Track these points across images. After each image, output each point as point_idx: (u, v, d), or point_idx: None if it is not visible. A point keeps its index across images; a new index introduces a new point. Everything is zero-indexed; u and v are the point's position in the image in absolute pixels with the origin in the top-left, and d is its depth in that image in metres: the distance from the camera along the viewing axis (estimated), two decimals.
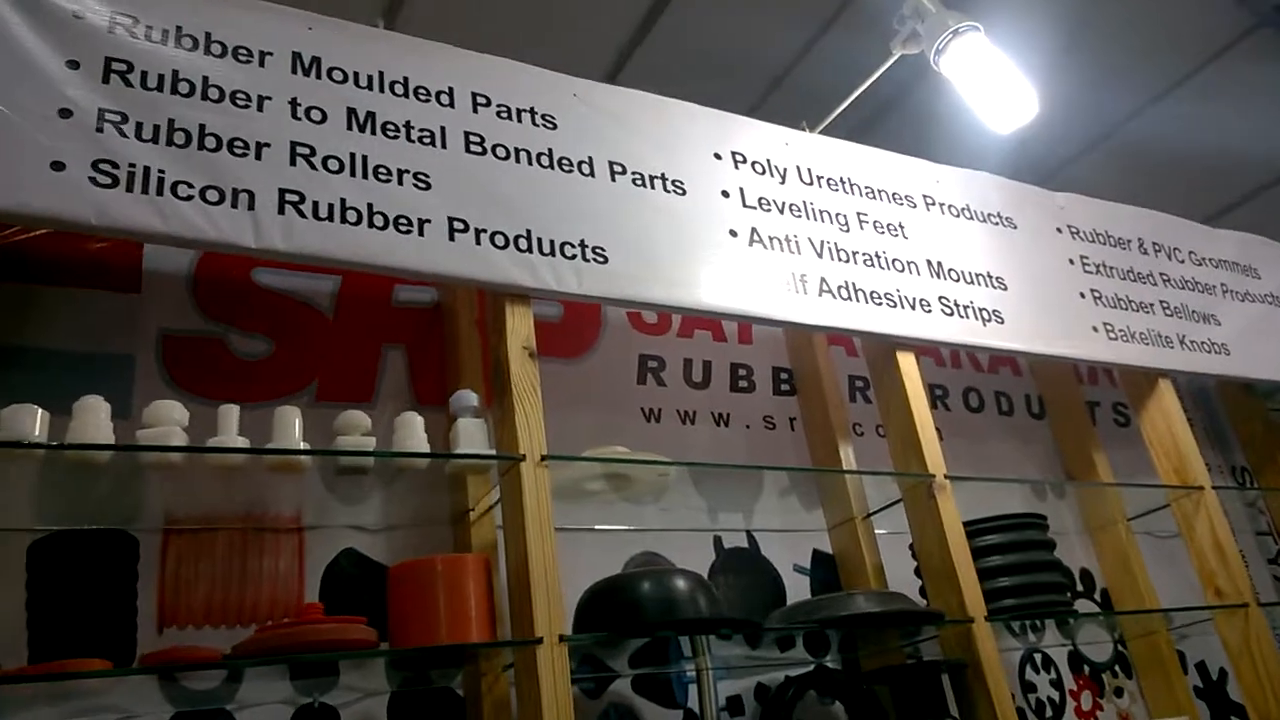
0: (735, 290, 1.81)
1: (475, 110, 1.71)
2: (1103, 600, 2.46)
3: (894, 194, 2.18)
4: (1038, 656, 2.28)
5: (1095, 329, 2.30)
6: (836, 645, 1.98)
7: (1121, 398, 2.78)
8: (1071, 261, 2.38)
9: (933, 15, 1.90)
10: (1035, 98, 2.04)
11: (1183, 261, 2.63)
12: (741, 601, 1.95)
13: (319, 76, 1.59)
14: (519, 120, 1.75)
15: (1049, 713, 2.22)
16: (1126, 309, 2.40)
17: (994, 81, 2.02)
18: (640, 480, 1.73)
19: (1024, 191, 2.44)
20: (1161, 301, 2.48)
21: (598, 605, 1.55)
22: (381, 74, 1.65)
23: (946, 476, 1.91)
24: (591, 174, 1.77)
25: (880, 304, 1.98)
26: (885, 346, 2.02)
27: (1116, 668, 2.39)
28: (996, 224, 2.31)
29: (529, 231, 1.64)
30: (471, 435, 1.52)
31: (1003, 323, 2.14)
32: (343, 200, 1.50)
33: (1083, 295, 2.34)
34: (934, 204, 2.23)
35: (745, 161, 1.99)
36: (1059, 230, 2.42)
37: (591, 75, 1.97)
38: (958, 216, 2.26)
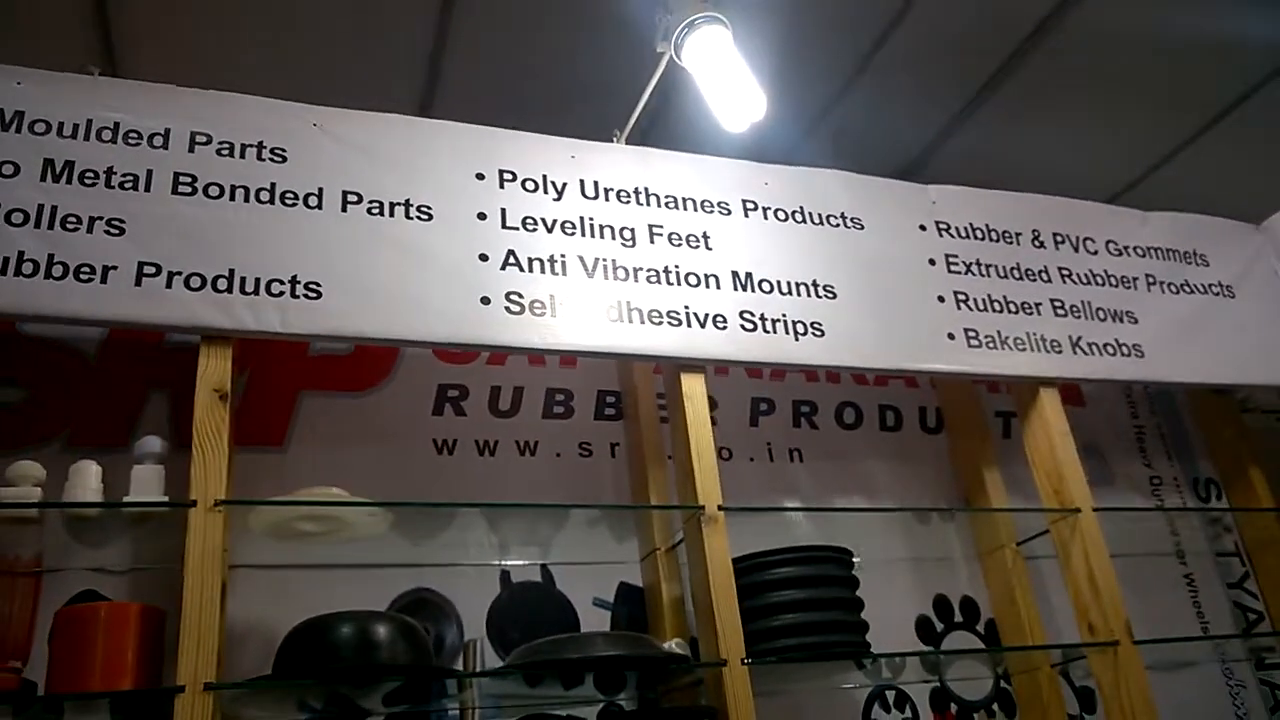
0: (472, 318, 1.74)
1: (192, 149, 1.71)
2: (987, 632, 2.23)
3: (703, 201, 2.04)
4: (890, 694, 2.09)
5: (952, 336, 2.08)
6: (634, 684, 1.88)
7: None
8: (933, 262, 2.16)
9: (680, 7, 1.76)
10: (763, 97, 1.86)
11: (1094, 253, 2.35)
12: (523, 638, 1.87)
13: (19, 130, 1.63)
14: (242, 156, 1.73)
15: None
16: (1001, 311, 2.16)
17: (726, 77, 1.86)
18: (354, 523, 1.68)
19: (884, 188, 2.24)
20: (1053, 300, 2.22)
21: (288, 646, 1.52)
22: (90, 121, 1.67)
23: (721, 508, 1.77)
24: (319, 206, 1.74)
25: (660, 323, 1.86)
26: (672, 368, 1.89)
27: (995, 706, 2.16)
28: (837, 225, 2.13)
29: (231, 271, 1.63)
30: (145, 481, 1.52)
31: (822, 335, 1.97)
32: (20, 253, 1.53)
33: (941, 299, 2.12)
34: (756, 209, 2.08)
35: (515, 179, 1.91)
36: (922, 228, 2.20)
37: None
38: (785, 220, 2.09)
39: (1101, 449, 2.56)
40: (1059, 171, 2.47)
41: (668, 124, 2.32)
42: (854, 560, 1.91)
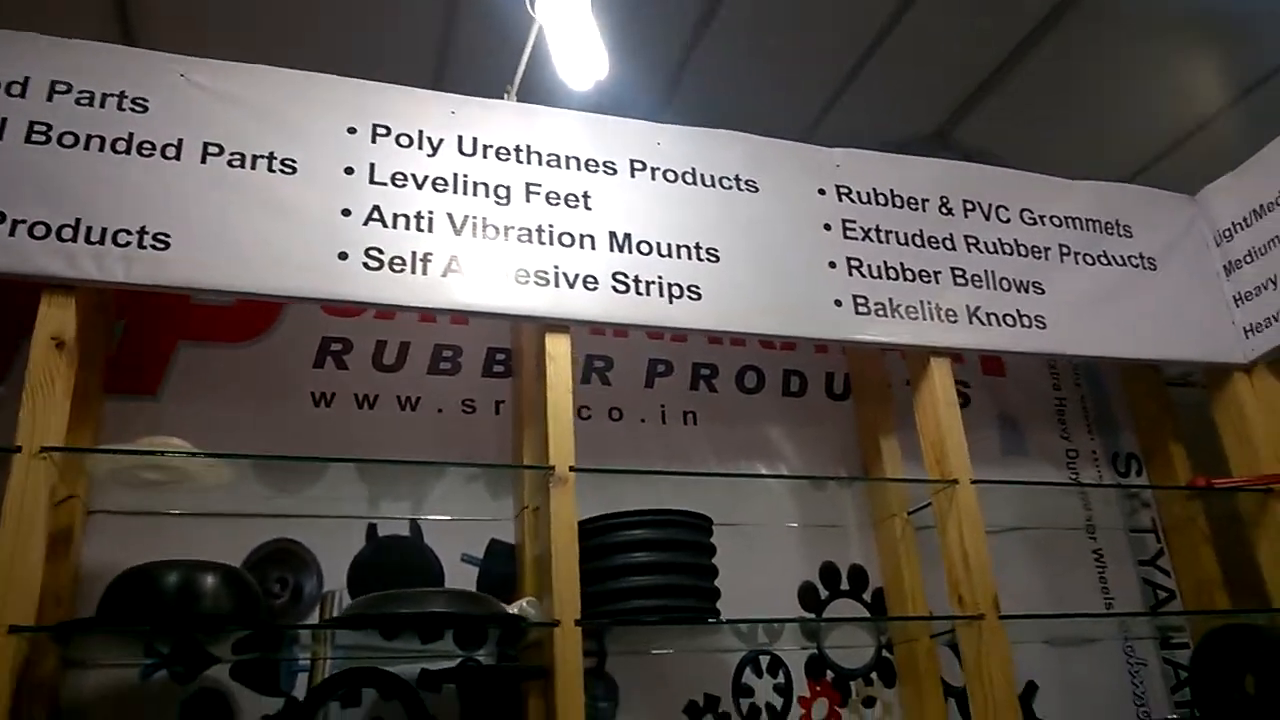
0: (328, 273, 1.74)
1: (50, 98, 1.71)
2: (874, 601, 2.22)
3: (588, 160, 2.01)
4: (764, 659, 2.10)
5: (839, 303, 2.05)
6: (495, 641, 1.90)
7: (960, 375, 2.48)
8: (828, 227, 2.12)
9: None
10: (605, 57, 1.81)
11: (1006, 221, 2.28)
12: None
13: None
14: (101, 105, 1.73)
15: (763, 719, 2.05)
16: (897, 279, 2.12)
17: (572, 34, 1.81)
18: (196, 473, 1.71)
19: (786, 151, 2.19)
20: (954, 269, 2.17)
21: (111, 593, 1.55)
22: None
23: (572, 469, 1.77)
24: (177, 157, 1.74)
25: (526, 282, 1.85)
26: (537, 329, 1.89)
27: (874, 675, 2.16)
28: (729, 188, 2.09)
29: (78, 221, 1.64)
30: None
31: (699, 299, 1.95)
32: None
33: (833, 265, 2.08)
34: (644, 169, 2.04)
35: (389, 134, 1.89)
36: (821, 192, 2.15)
37: None
38: (675, 181, 2.06)
39: (1018, 420, 2.52)
40: None
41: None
42: (711, 526, 1.90)
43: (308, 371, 2.03)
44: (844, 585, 2.21)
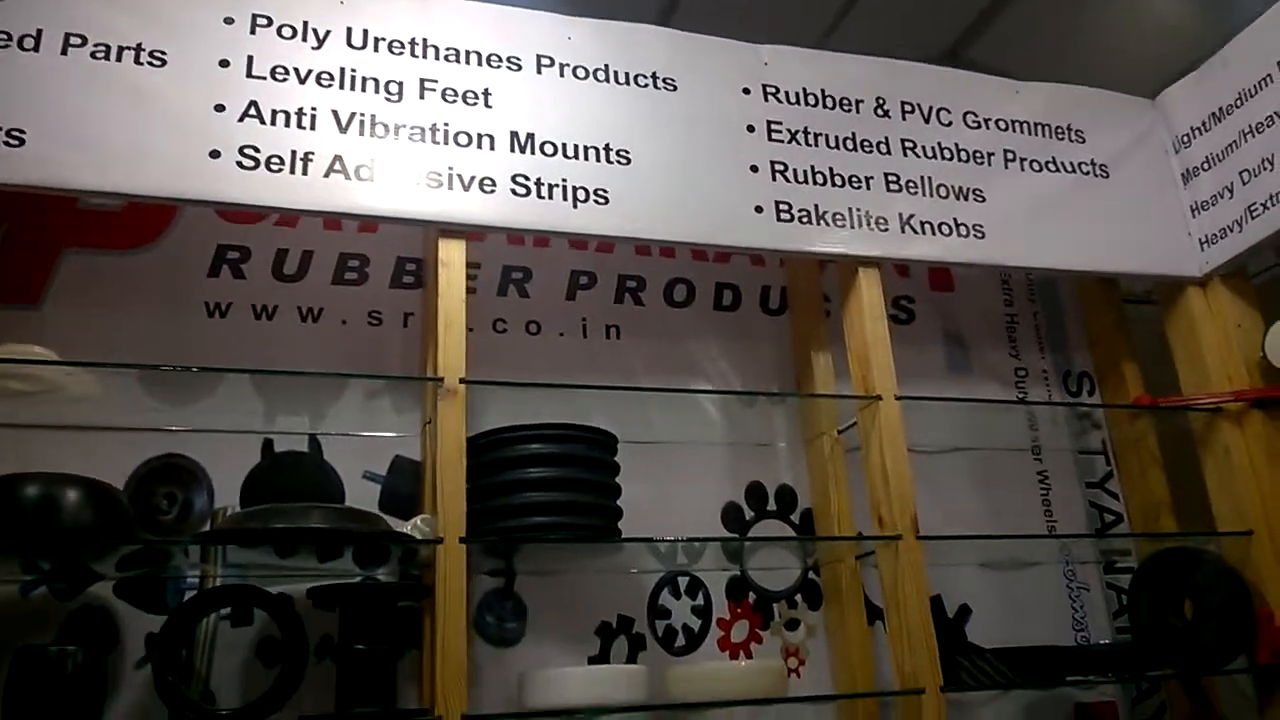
0: (200, 172, 1.64)
1: None
2: (802, 522, 2.15)
3: (490, 56, 1.88)
4: (683, 581, 2.03)
5: (759, 209, 1.93)
6: (397, 559, 1.84)
7: (905, 290, 2.39)
8: (751, 129, 1.99)
9: None
10: None
11: (948, 124, 2.15)
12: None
13: None
14: None
15: (679, 642, 1.98)
16: (824, 184, 2.00)
17: None
18: (63, 384, 1.63)
19: (711, 47, 2.05)
20: (888, 175, 2.05)
21: None
22: None
23: (463, 381, 1.68)
24: (36, 49, 1.63)
25: (418, 185, 1.74)
26: (431, 234, 1.79)
27: (798, 598, 2.10)
28: (645, 85, 1.96)
29: None
30: None
31: (606, 203, 1.84)
32: None
33: (754, 169, 1.96)
34: (552, 65, 1.92)
35: (270, 25, 1.77)
36: (746, 91, 2.02)
37: None
38: (585, 78, 1.93)
39: (965, 337, 2.42)
40: None
41: None
42: (615, 443, 1.82)
43: (202, 281, 1.94)
44: (770, 506, 2.14)
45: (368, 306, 2.02)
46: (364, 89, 1.78)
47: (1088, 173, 2.21)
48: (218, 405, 1.86)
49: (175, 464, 1.82)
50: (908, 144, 2.09)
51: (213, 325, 1.92)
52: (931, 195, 2.06)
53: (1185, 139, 2.26)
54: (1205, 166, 2.20)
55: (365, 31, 1.82)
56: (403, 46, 1.84)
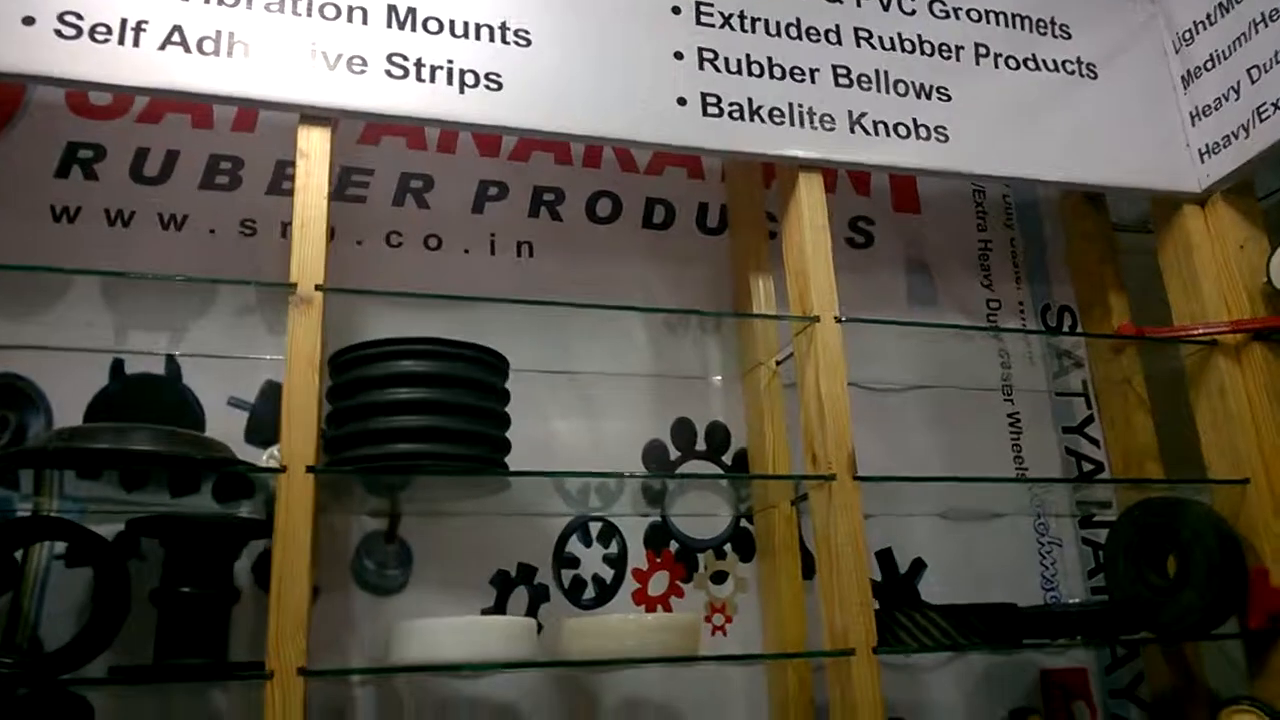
0: (11, 39, 1.39)
1: None
2: (735, 463, 1.91)
3: None
4: (595, 526, 1.80)
5: (683, 101, 1.68)
6: (264, 496, 1.62)
7: (864, 210, 2.13)
8: (677, 9, 1.73)
9: None
10: None
11: (911, 13, 1.88)
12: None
13: None
14: None
15: (588, 594, 1.76)
16: (761, 75, 1.74)
17: None
18: None
19: None
20: (837, 67, 1.78)
21: None
22: None
23: (320, 288, 1.45)
24: None
25: (271, 62, 1.50)
26: (288, 124, 1.54)
27: (728, 547, 1.86)
28: None
29: None
30: None
31: (499, 89, 1.59)
32: None
33: (679, 56, 1.70)
34: None
35: None
36: None
37: None
38: None
39: (931, 265, 2.16)
40: None
41: None
42: (505, 366, 1.58)
43: (48, 181, 1.70)
44: (700, 445, 1.90)
45: (240, 214, 1.78)
46: None
47: (1073, 73, 1.94)
48: (61, 319, 1.64)
49: (8, 384, 1.59)
50: (862, 33, 1.83)
51: (59, 231, 1.68)
52: (888, 92, 1.80)
53: (1187, 35, 1.98)
54: (1208, 65, 1.92)
55: None
56: None
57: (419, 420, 1.44)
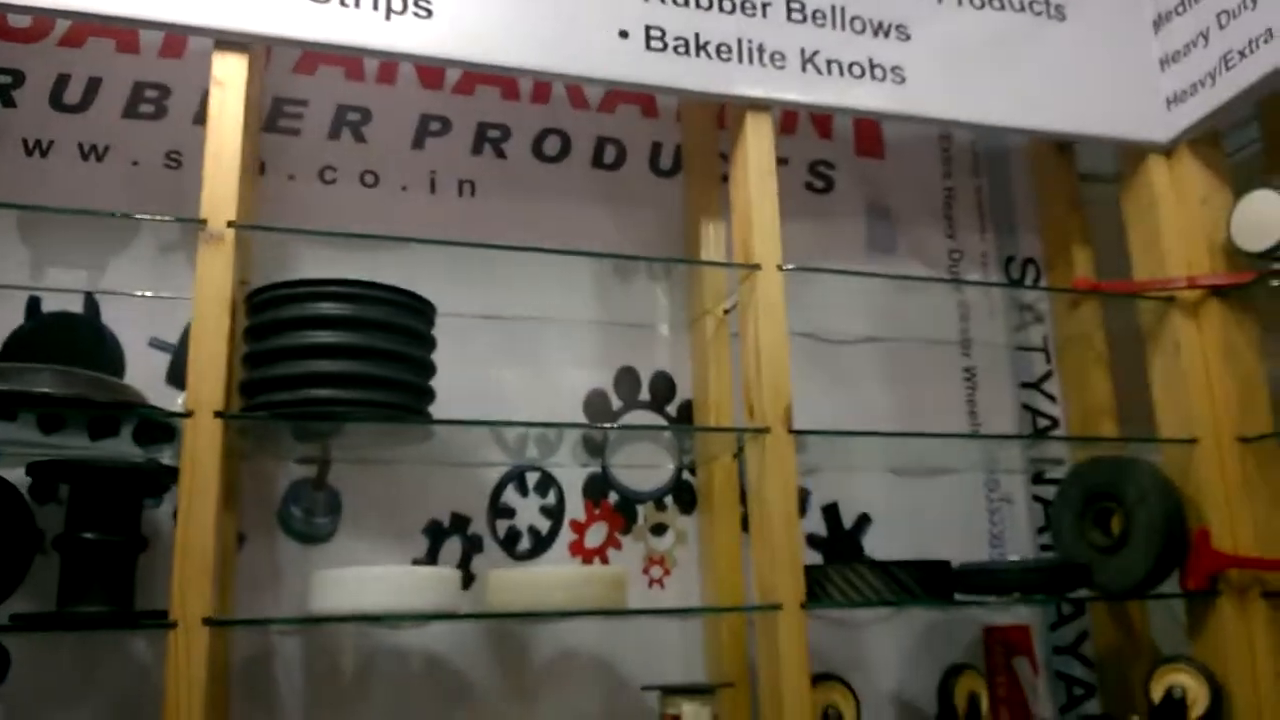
0: None
1: None
2: (680, 415, 1.87)
3: None
4: (532, 477, 1.77)
5: (625, 34, 1.60)
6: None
7: (824, 153, 2.06)
8: None
9: None
10: None
11: None
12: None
13: None
14: None
15: (523, 545, 1.73)
16: (710, 8, 1.66)
17: None
18: None
19: None
20: (764, 4, 1.69)
21: None
22: None
23: (232, 225, 1.38)
24: None
25: None
26: (198, 50, 1.47)
27: (669, 500, 1.83)
28: None
29: None
30: None
31: (429, 16, 1.51)
32: None
33: None
34: None
35: None
36: None
37: None
38: None
39: (892, 212, 2.09)
40: None
41: None
42: (431, 311, 1.53)
43: None
44: (644, 396, 1.86)
45: (165, 145, 1.71)
46: None
47: (1040, 12, 1.86)
48: None
49: None
50: None
51: None
52: (843, 29, 1.72)
53: None
54: (1179, 9, 1.84)
55: None
56: None
57: (334, 365, 1.39)
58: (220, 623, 1.28)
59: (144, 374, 1.60)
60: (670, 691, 1.50)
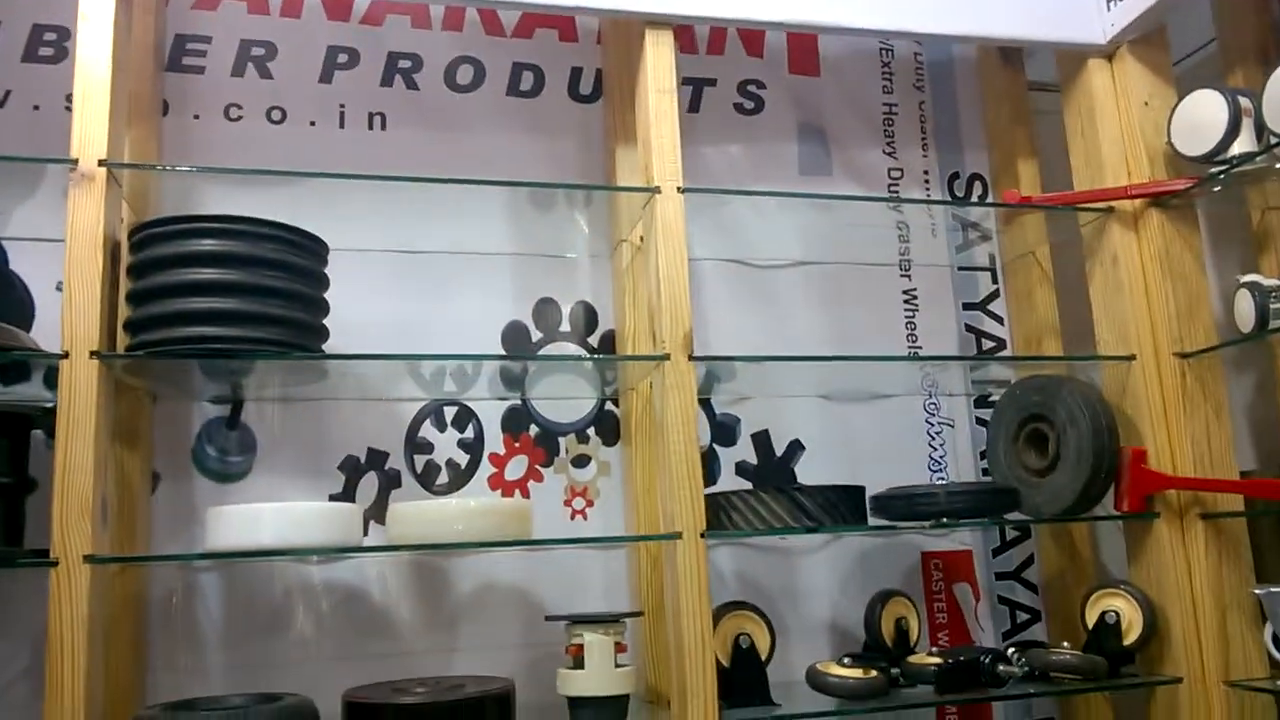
0: None
1: None
2: (602, 345, 1.84)
3: None
4: (450, 411, 1.76)
5: None
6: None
7: (756, 73, 2.00)
8: None
9: None
10: None
11: None
12: None
13: None
14: None
15: (441, 479, 1.73)
16: None
17: None
18: None
19: None
20: None
21: None
22: None
23: (103, 163, 1.37)
24: None
25: None
26: None
27: (591, 431, 1.82)
28: None
29: None
30: None
31: None
32: None
33: None
34: None
35: None
36: None
37: None
38: None
39: (827, 132, 2.02)
40: None
41: None
42: (323, 249, 1.50)
43: None
44: (564, 327, 1.83)
45: (66, 89, 1.69)
46: None
47: None
48: None
49: None
50: None
51: None
52: None
53: None
54: None
55: None
56: None
57: (209, 303, 1.37)
58: (101, 560, 1.29)
59: (53, 318, 1.60)
60: (576, 621, 1.50)
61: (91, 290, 1.34)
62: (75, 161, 1.36)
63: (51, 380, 1.56)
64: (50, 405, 1.42)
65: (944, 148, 2.07)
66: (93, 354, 1.32)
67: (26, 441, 1.41)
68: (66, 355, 1.32)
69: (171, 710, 1.33)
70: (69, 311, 1.33)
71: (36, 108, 1.68)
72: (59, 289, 1.62)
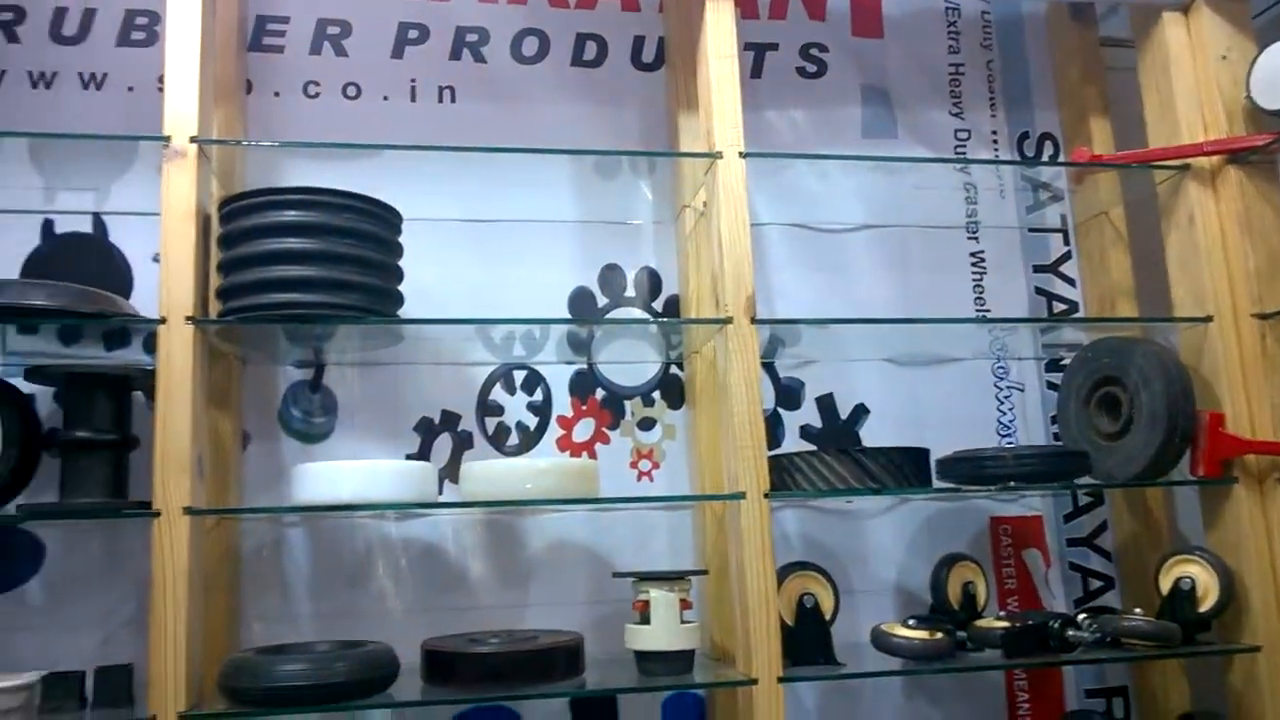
0: None
1: None
2: (666, 310, 1.87)
3: None
4: (519, 374, 1.81)
5: None
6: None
7: (818, 36, 2.00)
8: None
9: None
10: None
11: None
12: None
13: None
14: None
15: (512, 440, 1.79)
16: None
17: None
18: None
19: None
20: None
21: None
22: None
23: (195, 140, 1.45)
24: None
25: None
26: None
27: (657, 394, 1.85)
28: None
29: None
30: None
31: None
32: None
33: None
34: None
35: None
36: None
37: None
38: None
39: (892, 94, 2.01)
40: None
41: None
42: (397, 219, 1.56)
43: None
44: (629, 292, 1.87)
45: (157, 70, 1.78)
46: None
47: None
48: None
49: None
50: None
51: None
52: None
53: None
54: None
55: None
56: None
57: (291, 270, 1.45)
58: (198, 512, 1.38)
59: (149, 288, 1.70)
60: (643, 578, 1.54)
61: (186, 260, 1.42)
62: (168, 139, 1.44)
63: (150, 345, 1.65)
64: (149, 368, 1.52)
65: (1013, 107, 2.04)
66: (188, 319, 1.40)
67: (129, 402, 1.51)
68: (164, 321, 1.40)
69: (263, 654, 1.42)
70: (166, 279, 1.41)
71: (131, 89, 1.77)
72: (155, 260, 1.72)
